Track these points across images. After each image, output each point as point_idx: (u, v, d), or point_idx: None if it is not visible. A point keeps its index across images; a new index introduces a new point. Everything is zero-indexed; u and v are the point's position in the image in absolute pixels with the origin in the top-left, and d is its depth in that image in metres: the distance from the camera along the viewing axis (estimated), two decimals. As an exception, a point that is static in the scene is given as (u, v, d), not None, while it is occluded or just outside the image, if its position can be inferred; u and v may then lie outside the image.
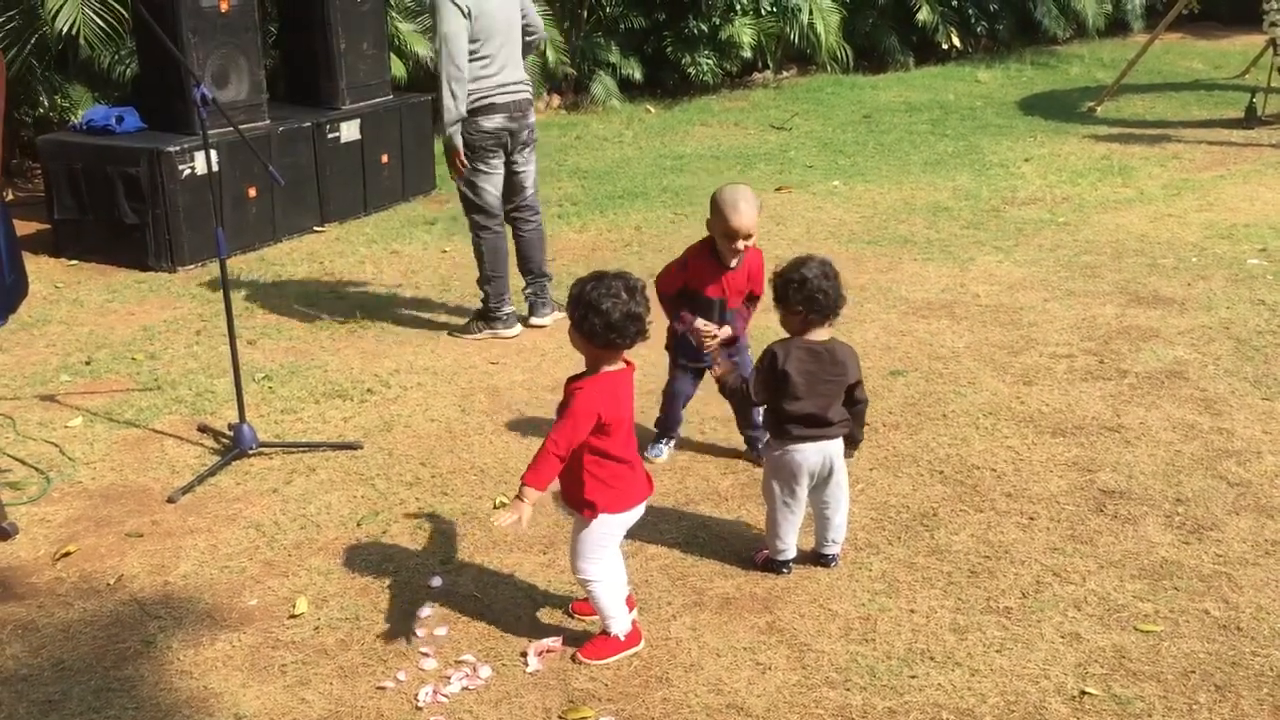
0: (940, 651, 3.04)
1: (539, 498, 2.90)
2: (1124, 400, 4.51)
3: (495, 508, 3.83)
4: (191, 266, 6.34)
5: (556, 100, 10.64)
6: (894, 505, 3.79)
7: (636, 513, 3.05)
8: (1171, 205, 7.20)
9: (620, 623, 3.04)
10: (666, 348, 4.07)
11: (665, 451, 4.17)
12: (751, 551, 3.52)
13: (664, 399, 4.17)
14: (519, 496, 2.86)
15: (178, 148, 6.22)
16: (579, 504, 2.97)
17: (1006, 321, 5.34)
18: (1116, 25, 13.76)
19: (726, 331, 3.88)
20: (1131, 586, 3.32)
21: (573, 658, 3.05)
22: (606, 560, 3.02)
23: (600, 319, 2.88)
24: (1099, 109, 10.13)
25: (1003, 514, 3.71)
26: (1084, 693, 2.88)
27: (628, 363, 3.01)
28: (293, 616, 3.25)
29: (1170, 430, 4.25)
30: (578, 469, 2.96)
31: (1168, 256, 6.20)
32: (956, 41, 12.31)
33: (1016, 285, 5.83)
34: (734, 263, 3.85)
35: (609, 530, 3.01)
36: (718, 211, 3.75)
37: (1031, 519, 3.67)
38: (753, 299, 4.01)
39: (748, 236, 3.76)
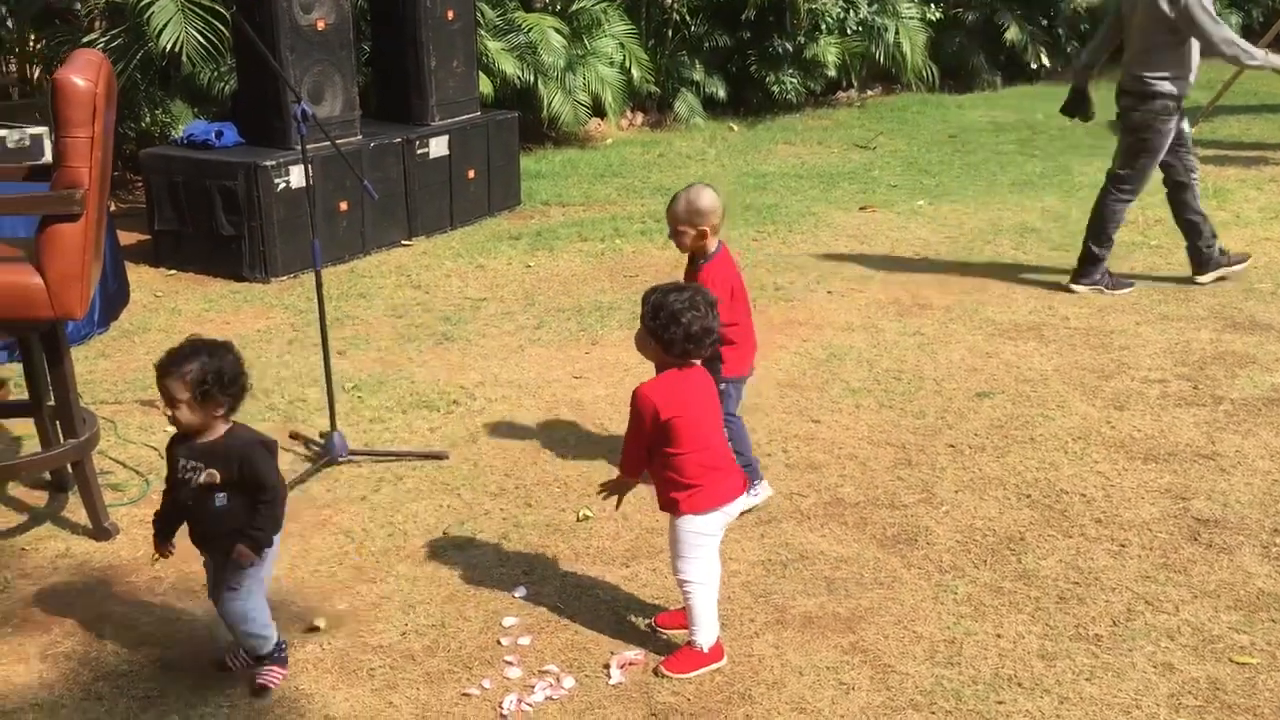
0: (1028, 678, 2.99)
1: (636, 482, 3.14)
2: (1219, 427, 4.40)
3: (579, 520, 3.87)
4: (284, 277, 6.49)
5: (640, 118, 10.72)
6: (980, 528, 3.74)
7: (728, 511, 3.07)
8: (1269, 229, 7.02)
9: (707, 633, 3.05)
10: None
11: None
12: (826, 576, 3.51)
13: None
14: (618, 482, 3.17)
15: (274, 162, 6.39)
16: (664, 504, 3.04)
17: (1097, 345, 5.25)
18: (1212, 45, 13.48)
19: None
20: (1227, 617, 3.24)
21: (655, 670, 3.07)
22: (704, 562, 3.04)
23: (681, 329, 2.95)
24: (1193, 130, 9.90)
25: (1093, 540, 3.65)
26: (1177, 725, 2.82)
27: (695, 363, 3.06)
28: (381, 622, 3.31)
29: (1267, 459, 4.14)
30: (659, 470, 3.03)
31: (1265, 281, 6.04)
32: (1046, 61, 12.15)
33: (1107, 308, 5.73)
34: (699, 259, 3.78)
35: (698, 529, 3.03)
36: None
37: (1123, 546, 3.61)
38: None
39: (674, 230, 3.73)
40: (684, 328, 2.95)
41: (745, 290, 3.89)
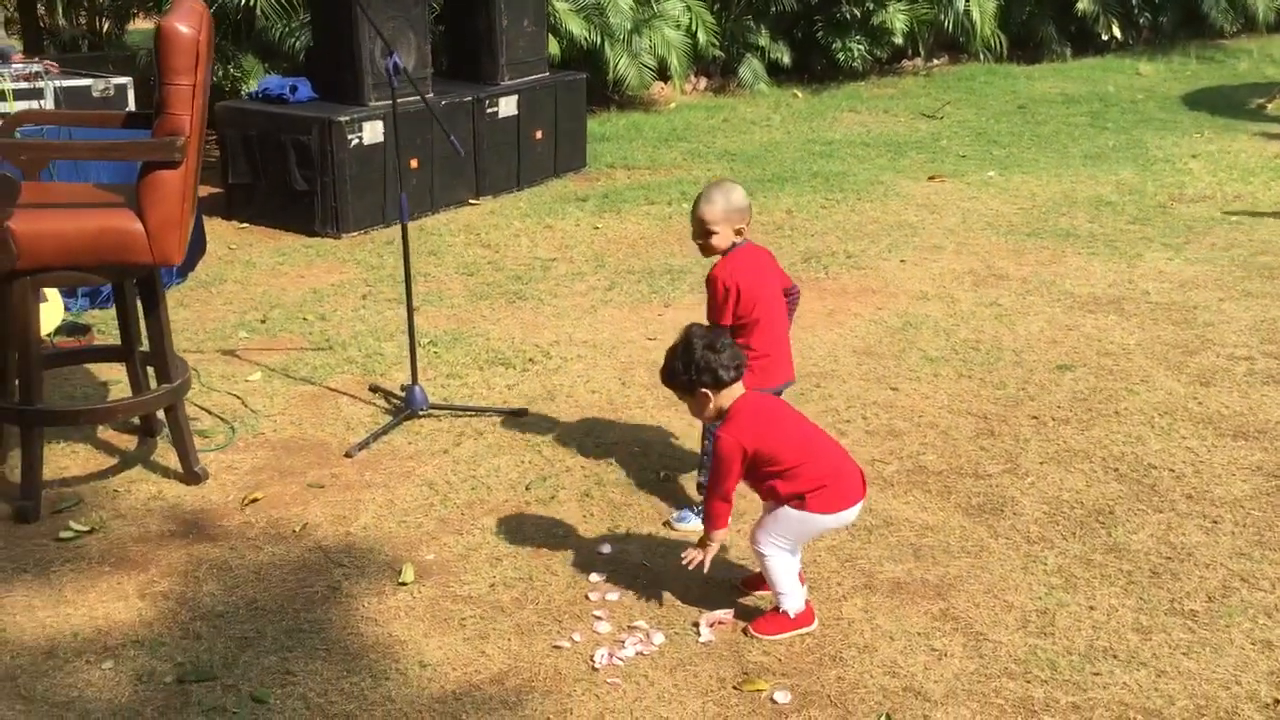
0: (1124, 650, 2.97)
1: (723, 536, 3.08)
2: (1309, 406, 4.33)
3: (661, 479, 3.87)
4: (355, 233, 6.53)
5: (704, 82, 10.64)
6: (1067, 500, 3.70)
7: (847, 516, 3.05)
8: (1353, 208, 6.87)
9: (793, 600, 3.05)
10: None
11: (693, 519, 3.60)
12: (912, 543, 3.50)
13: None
14: (704, 541, 3.06)
15: (347, 118, 6.40)
16: (783, 501, 3.01)
17: (1179, 320, 5.17)
18: (1288, 20, 13.17)
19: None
20: (1325, 597, 3.20)
21: (744, 631, 3.07)
22: (793, 544, 3.05)
23: (716, 356, 2.96)
24: (1270, 106, 9.71)
25: (1184, 515, 3.60)
26: (1279, 701, 2.78)
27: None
28: (469, 573, 3.33)
29: (1361, 440, 4.06)
30: (770, 486, 3.01)
31: (1351, 260, 5.92)
32: (1117, 33, 11.92)
33: (1188, 284, 5.63)
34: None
35: (815, 527, 3.05)
36: None
37: (1215, 522, 3.56)
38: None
39: (701, 234, 3.45)
40: (716, 353, 2.96)
41: (768, 295, 3.49)
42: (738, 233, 3.46)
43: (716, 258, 3.48)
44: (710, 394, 2.99)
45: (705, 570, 3.09)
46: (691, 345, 3.00)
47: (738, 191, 3.46)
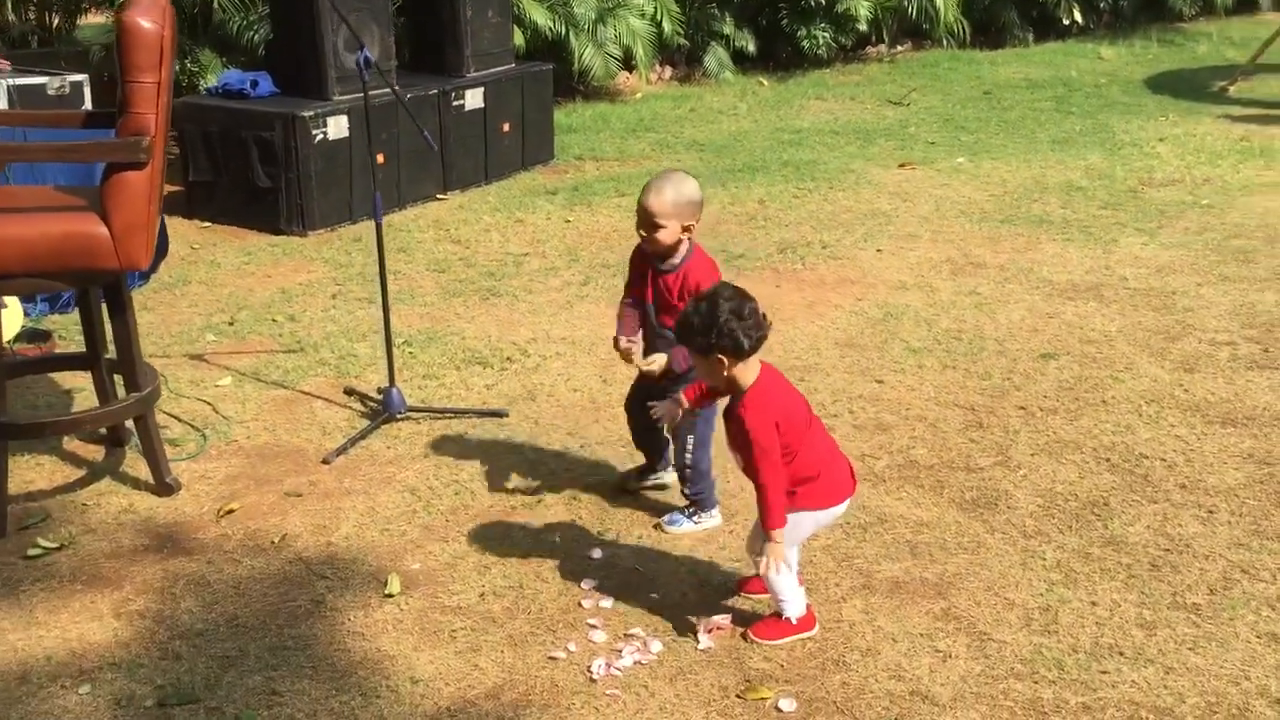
0: (1130, 647, 2.92)
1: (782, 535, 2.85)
2: (1294, 391, 4.32)
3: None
4: (321, 230, 6.38)
5: (668, 71, 10.55)
6: (1061, 493, 3.66)
7: (837, 511, 2.96)
8: (1322, 190, 6.90)
9: (794, 606, 2.97)
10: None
11: (684, 521, 3.52)
12: (908, 540, 3.44)
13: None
14: (771, 547, 2.81)
15: (311, 113, 6.25)
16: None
17: (1159, 306, 5.15)
18: (1244, 3, 13.29)
19: (657, 363, 3.25)
20: (1324, 586, 3.17)
21: (744, 636, 2.99)
22: (790, 547, 2.95)
23: (740, 323, 2.73)
24: (1232, 89, 9.77)
25: (1179, 506, 3.57)
26: (1288, 696, 2.75)
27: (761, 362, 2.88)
28: (457, 583, 3.24)
29: (1347, 424, 4.05)
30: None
31: (1324, 243, 5.94)
32: (1078, 17, 11.97)
33: (1165, 269, 5.62)
34: (660, 261, 3.28)
35: (807, 525, 2.95)
36: None
37: (1211, 512, 3.53)
38: None
39: (646, 225, 3.20)
40: (741, 320, 2.73)
41: None
42: (686, 230, 3.22)
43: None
44: (726, 361, 2.78)
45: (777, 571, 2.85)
46: (717, 307, 2.73)
47: (690, 184, 3.21)
